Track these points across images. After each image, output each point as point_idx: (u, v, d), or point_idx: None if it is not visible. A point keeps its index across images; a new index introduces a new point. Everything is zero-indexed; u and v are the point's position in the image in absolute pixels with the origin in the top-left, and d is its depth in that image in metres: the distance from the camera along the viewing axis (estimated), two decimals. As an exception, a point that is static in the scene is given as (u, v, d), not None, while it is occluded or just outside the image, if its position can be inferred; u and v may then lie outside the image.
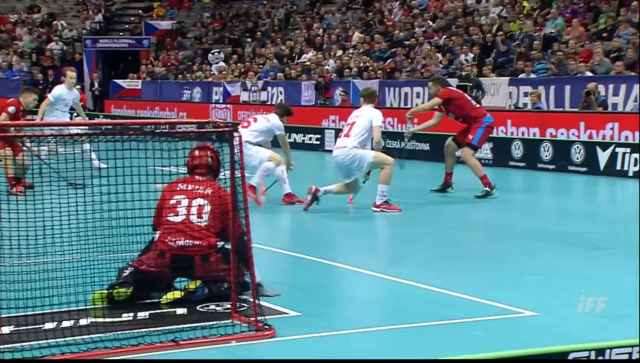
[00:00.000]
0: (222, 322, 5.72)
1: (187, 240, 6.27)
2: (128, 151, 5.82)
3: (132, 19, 35.72)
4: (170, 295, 6.22)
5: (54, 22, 35.18)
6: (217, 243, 6.35)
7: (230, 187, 5.93)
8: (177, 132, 6.46)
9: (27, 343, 5.20)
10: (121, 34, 34.95)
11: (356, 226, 10.67)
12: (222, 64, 28.88)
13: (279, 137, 11.59)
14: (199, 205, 6.37)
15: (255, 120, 11.66)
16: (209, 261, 6.28)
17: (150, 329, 5.58)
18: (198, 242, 6.28)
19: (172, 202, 6.35)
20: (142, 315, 5.96)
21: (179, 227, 6.28)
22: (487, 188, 12.05)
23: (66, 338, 5.31)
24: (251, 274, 5.80)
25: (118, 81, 31.79)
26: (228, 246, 6.21)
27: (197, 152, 6.62)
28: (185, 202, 6.36)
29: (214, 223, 6.34)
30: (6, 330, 5.31)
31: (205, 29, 33.22)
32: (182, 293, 6.27)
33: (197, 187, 6.44)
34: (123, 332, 5.49)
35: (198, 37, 32.58)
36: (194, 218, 6.33)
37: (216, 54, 29.42)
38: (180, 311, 6.06)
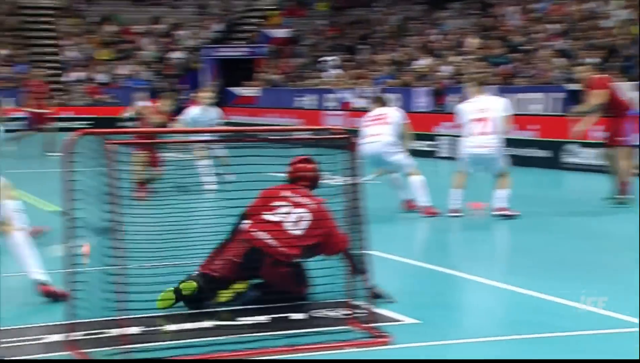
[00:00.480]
0: (338, 327, 5.76)
1: (272, 239, 6.31)
2: (247, 157, 5.95)
3: (250, 28, 36.43)
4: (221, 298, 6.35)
5: (176, 32, 36.26)
6: (296, 258, 6.40)
7: (349, 194, 5.94)
8: (297, 138, 6.54)
9: (153, 343, 5.38)
10: (239, 42, 35.71)
11: (473, 233, 10.54)
12: (334, 71, 29.06)
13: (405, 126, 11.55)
14: (300, 216, 6.41)
15: (384, 117, 11.46)
16: (278, 269, 6.31)
17: (268, 333, 5.67)
18: (280, 247, 6.30)
19: (272, 205, 6.42)
20: (260, 319, 6.06)
21: (270, 226, 6.35)
22: (622, 196, 11.62)
23: (189, 340, 5.45)
24: (365, 281, 5.81)
25: (234, 89, 32.44)
26: (303, 264, 6.41)
27: (301, 164, 6.69)
28: (285, 209, 6.42)
29: (307, 238, 6.36)
30: (135, 330, 5.50)
31: (320, 36, 33.53)
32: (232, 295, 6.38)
33: (303, 199, 6.49)
34: (243, 335, 5.59)
35: (313, 45, 32.91)
36: (289, 225, 6.38)
37: (329, 61, 29.62)
38: (296, 316, 6.12)
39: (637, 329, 5.76)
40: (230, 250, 6.32)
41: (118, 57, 35.07)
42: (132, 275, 5.79)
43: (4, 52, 33.13)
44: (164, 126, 12.64)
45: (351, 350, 5.38)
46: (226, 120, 29.18)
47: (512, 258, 9.29)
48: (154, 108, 13.02)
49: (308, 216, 6.40)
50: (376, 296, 6.13)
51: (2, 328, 5.69)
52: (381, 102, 11.88)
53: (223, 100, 32.34)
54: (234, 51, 34.71)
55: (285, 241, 6.30)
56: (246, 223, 6.43)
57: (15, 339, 5.55)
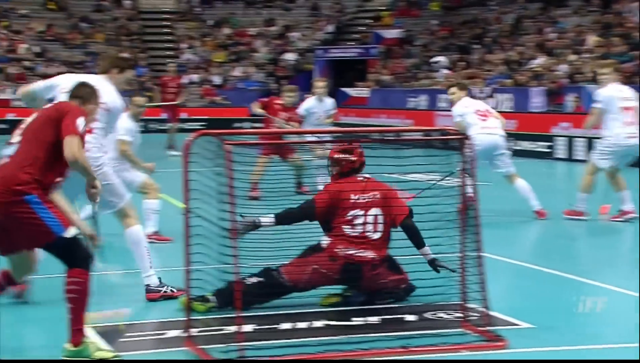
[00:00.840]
0: (452, 330, 5.71)
1: (363, 252, 6.37)
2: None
3: (362, 28, 36.51)
4: (328, 300, 6.42)
5: (289, 34, 36.72)
6: (387, 253, 6.49)
7: (463, 195, 5.88)
8: (410, 139, 6.52)
9: (266, 341, 5.47)
10: (351, 43, 35.85)
11: (594, 237, 10.25)
12: (445, 71, 28.78)
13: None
14: (375, 216, 6.45)
15: (491, 112, 11.18)
16: (377, 271, 6.36)
17: (381, 334, 5.68)
18: (372, 254, 6.37)
19: (349, 217, 6.40)
20: (373, 320, 6.07)
21: (356, 240, 6.39)
22: None
23: (301, 339, 5.52)
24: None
25: (345, 90, 32.55)
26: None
27: (349, 155, 6.65)
28: (361, 219, 6.43)
29: (386, 232, 6.47)
30: (249, 328, 5.60)
31: (432, 36, 33.30)
32: (339, 298, 6.43)
33: (368, 196, 6.48)
34: (354, 335, 5.61)
35: (425, 45, 32.70)
36: (370, 232, 6.42)
37: (441, 61, 29.36)
38: (409, 318, 6.11)
39: None
40: (318, 264, 6.36)
41: (232, 59, 35.77)
42: (246, 274, 5.94)
43: (125, 55, 34.27)
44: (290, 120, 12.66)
45: (465, 353, 5.34)
46: (336, 121, 29.50)
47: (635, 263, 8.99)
48: (279, 103, 12.96)
49: (379, 211, 6.47)
50: (438, 267, 6.23)
51: (123, 323, 5.89)
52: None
53: (335, 101, 32.48)
54: (346, 52, 34.84)
55: (374, 247, 6.40)
56: (327, 240, 6.43)
57: (135, 334, 5.74)
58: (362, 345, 5.35)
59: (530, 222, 10.77)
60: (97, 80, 6.33)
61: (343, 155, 6.66)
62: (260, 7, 39.00)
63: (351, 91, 32.26)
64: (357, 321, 6.05)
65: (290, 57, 35.15)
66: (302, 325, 5.92)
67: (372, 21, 36.38)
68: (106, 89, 6.52)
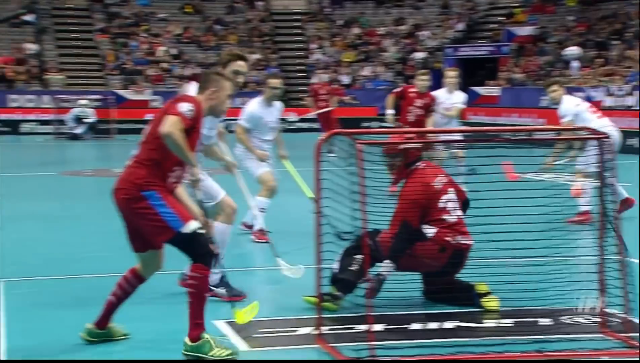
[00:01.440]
0: (589, 335, 5.54)
1: (463, 237, 6.35)
2: (491, 158, 5.85)
3: (493, 26, 35.90)
4: (491, 303, 6.24)
5: (418, 33, 36.52)
6: None
7: (602, 195, 5.68)
8: (548, 139, 6.35)
9: (397, 341, 5.45)
10: (481, 41, 35.31)
11: None
12: (576, 63, 27.89)
13: None
14: (455, 200, 6.44)
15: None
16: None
17: (514, 337, 5.55)
18: (469, 238, 6.36)
19: (442, 204, 6.32)
20: (506, 322, 5.95)
21: (457, 227, 6.35)
22: None
23: (432, 340, 5.47)
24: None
25: (476, 88, 32.09)
26: None
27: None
28: (452, 203, 6.38)
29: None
30: (379, 327, 5.59)
31: (568, 32, 32.35)
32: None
33: (443, 179, 6.46)
34: (487, 337, 5.52)
35: (560, 42, 31.82)
36: (460, 214, 6.42)
37: (572, 53, 28.47)
38: (543, 321, 5.95)
39: None
40: (424, 254, 6.29)
41: (361, 58, 35.90)
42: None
43: (256, 56, 35.00)
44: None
45: (605, 358, 5.15)
46: (466, 121, 29.21)
47: None
48: (413, 91, 12.56)
49: (453, 190, 6.47)
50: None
51: (258, 319, 6.00)
52: None
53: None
54: (476, 50, 34.35)
55: (465, 228, 6.41)
56: (432, 229, 6.31)
57: (269, 330, 5.82)
58: (495, 348, 5.26)
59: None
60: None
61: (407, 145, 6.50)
62: (390, 7, 38.98)
63: (481, 90, 31.79)
64: (489, 323, 5.95)
65: (419, 55, 34.96)
66: (432, 325, 5.87)
67: (504, 18, 35.70)
68: None
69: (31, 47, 33.29)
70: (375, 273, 6.15)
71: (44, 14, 35.04)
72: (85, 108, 26.92)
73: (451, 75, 12.86)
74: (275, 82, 9.28)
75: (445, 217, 6.33)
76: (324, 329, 5.55)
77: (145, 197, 5.12)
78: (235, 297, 6.42)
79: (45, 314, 6.32)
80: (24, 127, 28.75)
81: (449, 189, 6.46)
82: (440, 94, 12.80)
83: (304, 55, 36.70)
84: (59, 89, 30.86)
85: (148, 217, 5.13)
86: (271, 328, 5.85)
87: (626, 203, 10.09)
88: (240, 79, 6.38)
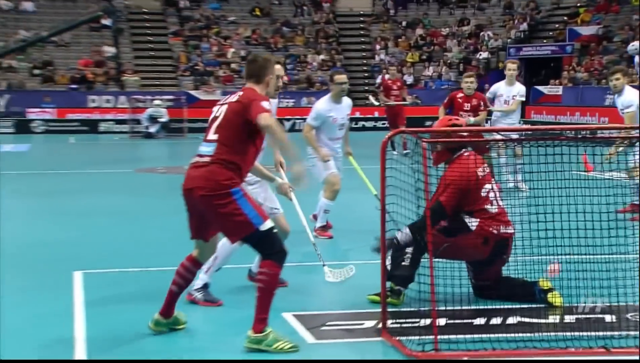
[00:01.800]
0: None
1: (505, 227, 6.24)
2: (552, 156, 5.77)
3: (557, 25, 35.30)
4: (555, 299, 6.13)
5: (481, 33, 36.13)
6: None
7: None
8: (608, 137, 6.22)
9: (460, 336, 5.40)
10: (544, 41, 34.76)
11: None
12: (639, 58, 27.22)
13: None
14: (496, 191, 6.35)
15: None
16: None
17: (578, 333, 5.46)
18: (512, 228, 6.30)
19: (484, 193, 6.21)
20: (569, 318, 5.87)
21: (499, 217, 6.24)
22: None
23: (494, 335, 5.40)
24: None
25: (539, 87, 31.64)
26: None
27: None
28: (492, 193, 6.28)
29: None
30: (442, 322, 5.57)
31: (632, 32, 31.61)
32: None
33: (485, 169, 6.35)
34: (550, 333, 5.45)
35: (624, 41, 31.10)
36: (501, 204, 6.31)
37: (635, 47, 27.77)
38: (608, 318, 5.85)
39: None
40: (468, 245, 6.20)
41: (424, 58, 35.68)
42: (441, 268, 5.90)
43: (321, 57, 35.07)
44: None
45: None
46: (528, 119, 28.88)
47: None
48: (460, 96, 12.06)
49: (495, 187, 6.38)
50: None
51: (324, 313, 6.02)
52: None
53: (527, 99, 31.69)
54: (540, 50, 33.83)
55: (506, 217, 6.33)
56: (474, 221, 6.20)
57: (335, 323, 5.84)
58: (558, 343, 5.20)
59: None
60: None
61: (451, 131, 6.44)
62: (454, 8, 38.65)
63: (544, 89, 31.32)
64: (553, 319, 5.86)
65: (482, 55, 34.59)
66: (495, 321, 5.81)
67: (567, 18, 35.07)
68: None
69: (109, 50, 33.97)
70: (392, 236, 6.12)
71: (121, 18, 35.73)
72: (158, 108, 27.33)
73: (511, 67, 12.64)
74: (341, 77, 9.05)
75: (487, 207, 6.22)
76: (389, 323, 5.57)
77: (231, 194, 5.17)
78: (210, 302, 6.38)
79: (121, 305, 6.45)
80: (102, 126, 29.36)
81: (491, 180, 6.40)
82: (500, 86, 12.66)
83: (368, 56, 36.62)
84: (135, 89, 31.41)
85: (231, 213, 5.17)
86: (337, 321, 5.87)
87: None
88: (279, 82, 6.35)
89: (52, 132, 28.73)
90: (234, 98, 5.49)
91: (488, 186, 6.28)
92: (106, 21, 34.82)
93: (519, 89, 12.66)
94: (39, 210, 11.53)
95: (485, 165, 6.41)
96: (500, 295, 6.28)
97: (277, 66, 6.11)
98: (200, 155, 5.36)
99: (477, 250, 6.21)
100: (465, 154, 6.35)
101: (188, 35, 35.87)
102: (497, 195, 6.35)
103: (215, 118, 5.46)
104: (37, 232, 9.82)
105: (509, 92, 12.50)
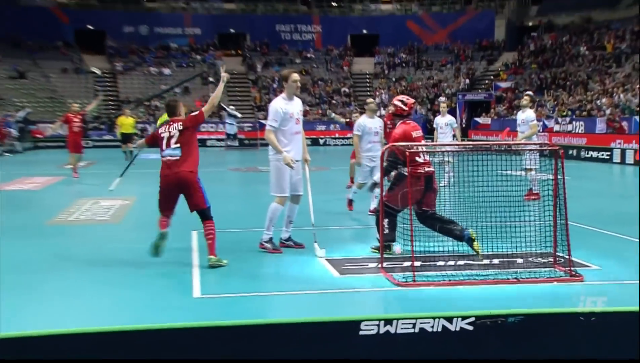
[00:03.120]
0: (547, 269, 5.38)
1: (428, 168, 5.86)
2: (484, 161, 5.68)
3: (487, 81, 34.67)
4: (477, 247, 5.74)
5: (441, 84, 35.68)
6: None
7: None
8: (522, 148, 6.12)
9: (428, 272, 5.31)
10: (479, 90, 34.21)
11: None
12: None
13: None
14: (424, 149, 6.04)
15: None
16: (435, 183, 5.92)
17: (500, 270, 5.40)
18: (432, 168, 5.91)
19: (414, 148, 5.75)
20: (495, 261, 5.75)
21: (423, 164, 5.84)
22: None
23: (450, 272, 5.34)
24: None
25: (477, 119, 31.06)
26: None
27: (402, 103, 6.11)
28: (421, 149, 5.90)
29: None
30: (417, 263, 5.45)
31: (532, 85, 31.14)
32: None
33: (418, 132, 5.98)
34: (484, 270, 5.39)
35: (526, 90, 30.61)
36: (427, 158, 5.91)
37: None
38: (519, 260, 5.71)
39: None
40: (407, 186, 5.70)
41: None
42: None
43: (343, 98, 34.88)
44: None
45: (556, 284, 5.05)
46: (470, 138, 28.38)
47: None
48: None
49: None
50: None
51: (345, 257, 5.94)
52: None
53: (469, 125, 31.25)
54: (476, 95, 33.01)
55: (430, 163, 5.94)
56: (406, 169, 5.68)
57: (351, 264, 5.72)
58: (489, 276, 5.19)
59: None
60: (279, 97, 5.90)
61: (399, 101, 6.08)
62: (424, 69, 38.11)
63: (480, 120, 30.61)
64: (486, 261, 5.74)
65: (442, 98, 33.89)
66: (451, 262, 5.71)
67: (493, 77, 34.51)
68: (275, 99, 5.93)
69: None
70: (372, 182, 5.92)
71: (219, 75, 35.64)
72: (236, 130, 28.06)
73: (443, 104, 11.74)
74: (372, 105, 8.61)
75: (417, 159, 5.81)
76: (385, 264, 5.53)
77: (197, 179, 5.59)
78: (276, 250, 6.03)
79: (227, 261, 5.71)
80: (208, 142, 29.55)
81: (422, 141, 6.07)
82: (437, 117, 11.70)
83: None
84: (218, 120, 31.12)
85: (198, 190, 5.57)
86: (352, 263, 5.77)
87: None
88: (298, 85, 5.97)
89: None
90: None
91: (419, 146, 5.90)
92: (211, 78, 35.17)
93: (450, 118, 11.52)
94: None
95: (420, 131, 6.01)
96: (441, 229, 5.77)
97: (295, 75, 5.93)
98: None
99: (416, 188, 5.76)
100: (407, 121, 6.08)
101: (261, 86, 36.00)
102: (425, 152, 5.98)
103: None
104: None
105: (442, 121, 11.47)
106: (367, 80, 38.29)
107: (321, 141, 30.78)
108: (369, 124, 8.62)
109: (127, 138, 18.23)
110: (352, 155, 9.68)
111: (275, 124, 5.86)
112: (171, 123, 5.63)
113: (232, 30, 39.16)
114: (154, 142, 5.71)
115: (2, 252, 6.08)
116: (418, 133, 6.08)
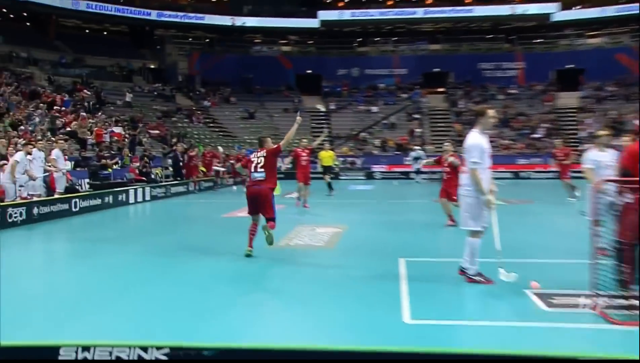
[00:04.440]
0: None
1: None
2: None
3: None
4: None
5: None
6: None
7: None
8: None
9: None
10: None
11: None
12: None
13: None
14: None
15: None
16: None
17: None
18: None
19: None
20: None
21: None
22: None
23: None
24: None
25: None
26: None
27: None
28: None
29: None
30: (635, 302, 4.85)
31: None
32: None
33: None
34: None
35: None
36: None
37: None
38: None
39: None
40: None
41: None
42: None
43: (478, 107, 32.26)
44: None
45: None
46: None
47: None
48: None
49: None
50: None
51: (551, 292, 5.55)
52: None
53: None
54: None
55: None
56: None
57: (558, 298, 5.37)
58: None
59: None
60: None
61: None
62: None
63: None
64: None
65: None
66: None
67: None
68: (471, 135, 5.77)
69: (417, 130, 34.01)
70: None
71: (423, 110, 35.79)
72: (419, 152, 27.29)
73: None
74: (604, 135, 7.70)
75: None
76: (599, 302, 4.98)
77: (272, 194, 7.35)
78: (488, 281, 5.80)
79: (433, 287, 5.71)
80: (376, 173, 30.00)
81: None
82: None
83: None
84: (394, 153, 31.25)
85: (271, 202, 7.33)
86: (560, 297, 5.37)
87: None
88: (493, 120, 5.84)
89: (385, 178, 29.49)
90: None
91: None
92: (416, 115, 35.59)
93: None
94: (368, 220, 11.26)
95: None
96: None
97: (491, 111, 5.76)
98: None
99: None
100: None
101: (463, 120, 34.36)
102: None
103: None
104: (367, 232, 9.64)
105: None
106: (572, 114, 34.87)
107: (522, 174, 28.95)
108: (599, 157, 7.61)
109: (327, 169, 18.90)
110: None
111: (480, 160, 5.73)
112: (258, 151, 7.31)
113: (436, 69, 39.55)
114: (247, 165, 7.42)
115: (239, 271, 6.55)
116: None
